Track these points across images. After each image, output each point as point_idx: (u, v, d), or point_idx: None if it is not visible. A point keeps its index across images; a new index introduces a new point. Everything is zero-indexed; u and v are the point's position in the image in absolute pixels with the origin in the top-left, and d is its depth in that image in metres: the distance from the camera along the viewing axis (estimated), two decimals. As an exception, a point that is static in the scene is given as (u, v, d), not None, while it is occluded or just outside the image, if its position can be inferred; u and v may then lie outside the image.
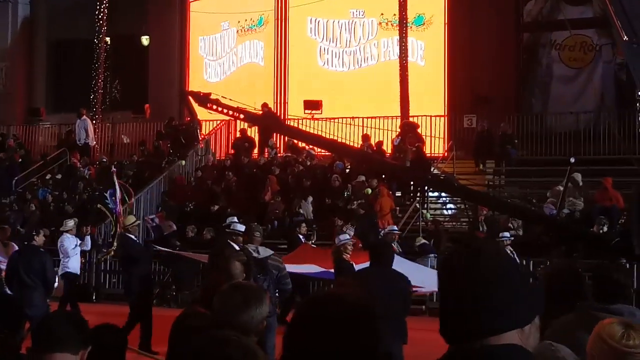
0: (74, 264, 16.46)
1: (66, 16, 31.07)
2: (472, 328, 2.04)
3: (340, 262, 11.66)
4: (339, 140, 23.55)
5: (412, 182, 22.25)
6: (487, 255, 2.09)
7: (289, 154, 24.64)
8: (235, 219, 12.62)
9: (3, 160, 26.73)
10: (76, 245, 16.61)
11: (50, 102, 31.80)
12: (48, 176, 26.04)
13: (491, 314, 2.04)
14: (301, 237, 17.83)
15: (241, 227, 11.49)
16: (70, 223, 16.87)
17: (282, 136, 25.25)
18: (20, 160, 26.96)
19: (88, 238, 18.24)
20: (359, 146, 23.10)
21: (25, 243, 14.71)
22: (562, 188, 17.68)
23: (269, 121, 24.45)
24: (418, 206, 21.37)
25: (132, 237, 13.47)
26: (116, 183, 17.12)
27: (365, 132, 24.35)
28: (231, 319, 3.78)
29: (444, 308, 2.11)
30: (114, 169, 19.48)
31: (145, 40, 30.33)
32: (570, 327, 3.93)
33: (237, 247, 10.45)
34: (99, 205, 19.08)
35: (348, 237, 13.63)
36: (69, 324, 3.61)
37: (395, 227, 18.43)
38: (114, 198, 16.88)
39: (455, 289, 2.08)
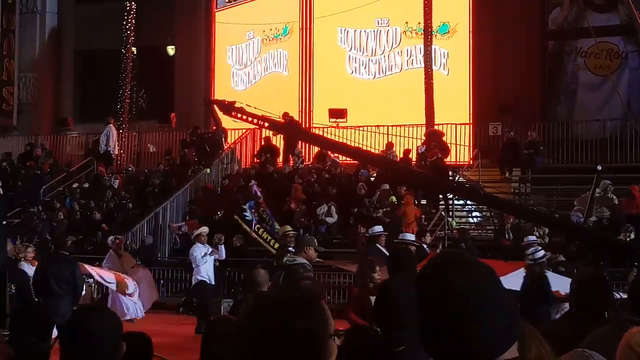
0: (206, 272, 16.34)
1: (93, 27, 31.36)
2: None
3: (373, 249, 11.77)
4: (364, 148, 23.59)
5: (437, 191, 22.21)
6: (460, 285, 2.00)
7: (311, 163, 24.71)
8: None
9: (32, 170, 26.99)
10: (205, 254, 16.49)
11: (78, 111, 32.08)
12: (75, 185, 26.25)
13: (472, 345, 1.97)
14: None
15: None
16: (199, 231, 16.88)
17: (308, 145, 25.32)
18: (48, 169, 27.23)
19: (222, 247, 17.52)
20: (382, 154, 23.13)
21: (54, 251, 14.84)
22: (592, 195, 17.60)
23: (293, 129, 24.57)
24: (444, 214, 21.34)
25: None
26: (259, 195, 17.13)
27: (390, 140, 24.36)
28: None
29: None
30: (254, 182, 19.62)
31: (171, 50, 30.54)
32: (606, 338, 3.93)
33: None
34: (235, 217, 18.91)
35: (381, 228, 13.72)
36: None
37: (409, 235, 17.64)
38: (253, 210, 16.99)
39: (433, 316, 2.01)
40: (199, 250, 16.53)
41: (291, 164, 24.96)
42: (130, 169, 26.86)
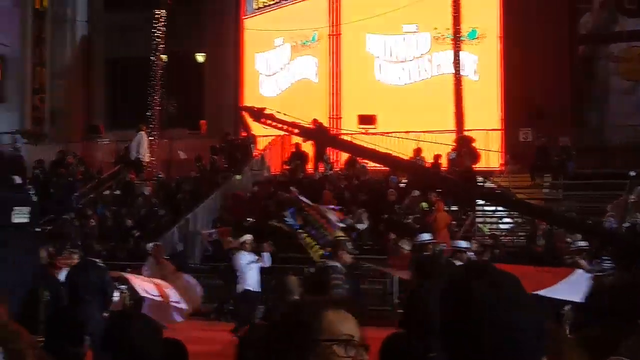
0: (250, 281, 16.13)
1: (123, 34, 31.62)
2: None
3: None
4: (393, 154, 23.57)
5: (467, 197, 22.11)
6: (509, 288, 2.03)
7: (341, 170, 24.72)
8: None
9: (64, 177, 27.22)
10: (250, 262, 16.31)
11: (109, 119, 32.33)
12: (106, 192, 26.42)
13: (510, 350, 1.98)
14: None
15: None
16: (244, 238, 16.68)
17: (337, 151, 25.34)
18: (80, 177, 27.45)
19: (267, 255, 17.18)
20: (411, 160, 23.10)
21: (82, 257, 14.88)
22: (626, 201, 17.45)
23: (322, 136, 24.60)
24: (475, 221, 21.25)
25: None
26: (304, 200, 17.15)
27: (419, 146, 24.32)
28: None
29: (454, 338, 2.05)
30: (294, 189, 19.66)
31: (200, 57, 30.71)
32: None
33: None
34: (275, 223, 18.89)
35: (429, 236, 13.68)
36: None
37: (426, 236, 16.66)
38: (294, 216, 16.99)
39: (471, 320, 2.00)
40: (244, 258, 16.33)
41: (321, 170, 24.99)
42: (161, 175, 27.00)
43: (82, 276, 12.23)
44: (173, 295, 16.58)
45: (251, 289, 16.13)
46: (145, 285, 16.21)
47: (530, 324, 2.00)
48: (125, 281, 16.49)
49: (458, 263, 11.31)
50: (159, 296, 16.26)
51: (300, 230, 16.87)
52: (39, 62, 32.35)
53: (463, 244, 13.49)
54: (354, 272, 11.69)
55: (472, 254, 15.41)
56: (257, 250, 17.25)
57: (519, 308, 1.99)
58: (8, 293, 4.14)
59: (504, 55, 25.74)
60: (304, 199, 17.74)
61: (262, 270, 16.73)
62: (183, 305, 16.98)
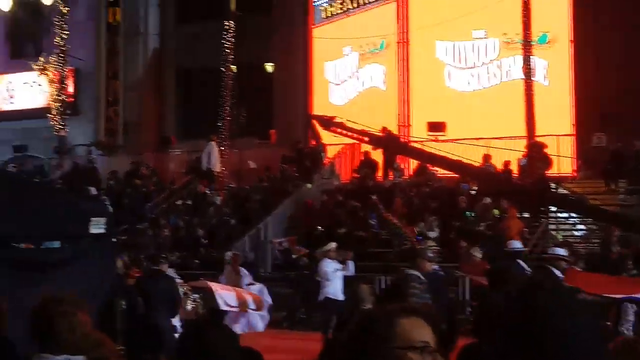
0: (333, 289, 16.00)
1: (194, 46, 32.06)
2: None
3: (515, 266, 11.85)
4: (464, 161, 23.42)
5: (540, 203, 21.83)
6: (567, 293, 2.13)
7: (410, 177, 24.64)
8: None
9: (138, 187, 27.70)
10: (336, 270, 16.24)
11: (180, 130, 32.79)
12: (179, 202, 26.78)
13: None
14: None
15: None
16: (329, 246, 16.59)
17: (408, 159, 25.29)
18: (153, 187, 27.90)
19: (351, 263, 17.07)
20: (480, 166, 22.92)
21: (150, 267, 15.06)
22: None
23: (392, 143, 24.59)
24: (548, 227, 20.95)
25: (436, 267, 12.41)
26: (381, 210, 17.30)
27: (489, 152, 24.11)
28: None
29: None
30: (375, 197, 19.83)
31: (269, 67, 30.94)
32: None
33: None
34: (362, 233, 18.97)
35: (520, 244, 13.69)
36: None
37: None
38: (378, 220, 17.08)
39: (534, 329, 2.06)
40: (330, 266, 16.17)
41: (391, 178, 24.93)
42: (231, 185, 27.26)
43: (152, 285, 12.46)
44: (251, 303, 16.68)
45: (332, 297, 15.88)
46: (226, 296, 16.36)
47: (589, 331, 2.06)
48: (209, 291, 16.66)
49: (556, 271, 11.13)
50: (237, 307, 16.39)
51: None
52: (113, 75, 33.01)
53: (561, 251, 13.32)
54: (439, 280, 11.53)
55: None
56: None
57: (578, 316, 2.06)
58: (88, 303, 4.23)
59: (576, 59, 25.36)
60: (381, 207, 17.79)
61: (345, 279, 16.74)
62: (265, 314, 17.13)
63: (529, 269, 13.38)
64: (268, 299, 17.89)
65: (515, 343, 2.09)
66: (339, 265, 16.39)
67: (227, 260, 18.83)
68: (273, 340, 16.35)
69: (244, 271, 18.19)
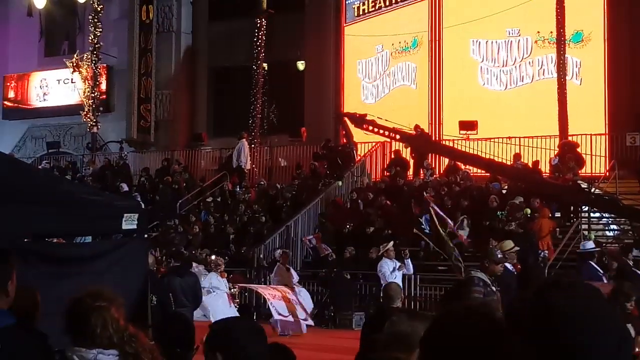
0: None
1: (225, 44, 32.17)
2: None
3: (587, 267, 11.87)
4: (496, 159, 23.28)
5: (573, 204, 21.64)
6: (586, 293, 2.09)
7: (441, 176, 24.52)
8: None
9: (170, 184, 27.85)
10: (394, 269, 16.29)
11: (212, 127, 32.92)
12: (209, 199, 26.88)
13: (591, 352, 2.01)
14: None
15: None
16: (388, 246, 16.68)
17: (438, 157, 25.18)
18: (184, 184, 28.04)
19: (409, 261, 17.17)
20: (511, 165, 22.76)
21: (179, 264, 15.21)
22: None
23: (424, 141, 24.49)
24: (580, 227, 20.78)
25: (508, 265, 12.52)
26: (432, 210, 17.28)
27: (521, 151, 23.94)
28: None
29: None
30: (428, 196, 19.86)
31: (300, 65, 30.97)
32: None
33: None
34: (415, 230, 18.96)
35: (593, 244, 13.65)
36: None
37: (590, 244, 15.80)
38: (429, 223, 17.11)
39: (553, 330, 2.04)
40: (388, 266, 16.22)
41: (422, 177, 24.84)
42: (262, 182, 27.33)
43: (181, 282, 12.60)
44: (300, 311, 16.79)
45: None
46: (278, 306, 16.45)
47: (606, 333, 2.03)
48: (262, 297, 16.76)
49: (591, 262, 11.38)
50: (289, 315, 16.51)
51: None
52: (145, 72, 33.21)
53: (591, 244, 13.43)
54: (510, 277, 11.44)
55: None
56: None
57: (595, 318, 2.03)
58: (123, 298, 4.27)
59: (610, 57, 25.11)
60: (434, 207, 17.68)
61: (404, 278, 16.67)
62: (309, 321, 17.22)
63: (601, 270, 13.22)
64: (310, 304, 17.98)
65: (533, 344, 2.06)
66: (398, 264, 16.32)
67: (277, 259, 18.93)
68: (305, 338, 16.40)
69: (292, 270, 18.23)
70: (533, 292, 2.12)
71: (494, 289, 8.81)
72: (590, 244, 14.31)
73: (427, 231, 17.21)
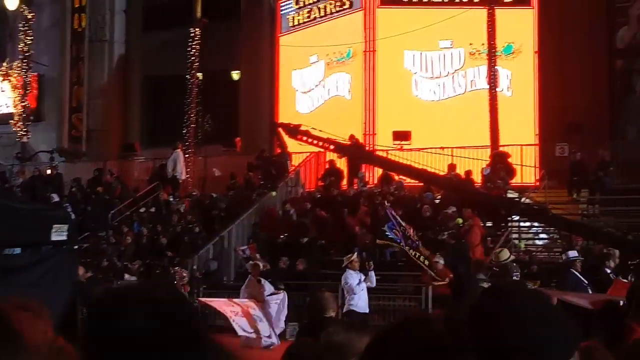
0: (360, 302, 15.67)
1: (159, 54, 31.93)
2: None
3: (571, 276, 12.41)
4: (429, 170, 23.49)
5: (504, 212, 21.96)
6: (517, 297, 2.12)
7: (375, 186, 24.65)
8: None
9: (102, 195, 27.46)
10: (360, 281, 15.86)
11: (145, 137, 32.60)
12: (142, 209, 26.58)
13: (529, 354, 2.04)
14: None
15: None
16: (352, 257, 16.29)
17: (373, 167, 25.30)
18: (116, 195, 27.66)
19: (372, 274, 16.59)
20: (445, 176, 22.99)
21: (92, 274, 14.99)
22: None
23: (358, 152, 24.58)
24: (510, 237, 21.08)
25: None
26: (392, 217, 17.13)
27: (454, 162, 24.20)
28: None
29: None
30: (388, 204, 19.80)
31: (235, 75, 30.89)
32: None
33: None
34: (378, 241, 18.77)
35: (576, 252, 13.96)
36: None
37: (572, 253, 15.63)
38: (394, 230, 16.89)
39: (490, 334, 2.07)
40: (353, 278, 15.81)
41: (355, 187, 24.95)
42: (195, 193, 27.14)
43: (91, 291, 12.44)
44: (264, 328, 16.57)
45: (358, 310, 15.61)
46: (241, 322, 16.22)
47: (545, 337, 2.04)
48: (223, 317, 16.50)
49: (574, 271, 11.86)
50: (253, 333, 16.31)
51: (402, 243, 16.72)
52: (77, 81, 32.77)
53: (574, 253, 13.93)
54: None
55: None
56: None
57: (533, 322, 2.04)
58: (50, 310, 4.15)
59: (541, 69, 25.61)
60: (393, 213, 17.66)
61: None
62: (274, 340, 16.97)
63: (585, 280, 13.28)
64: (285, 310, 17.74)
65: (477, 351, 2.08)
66: (362, 277, 16.04)
67: (248, 271, 18.63)
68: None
69: (264, 282, 17.88)
70: (474, 301, 2.14)
71: None
72: (573, 253, 14.38)
73: (393, 237, 17.08)
